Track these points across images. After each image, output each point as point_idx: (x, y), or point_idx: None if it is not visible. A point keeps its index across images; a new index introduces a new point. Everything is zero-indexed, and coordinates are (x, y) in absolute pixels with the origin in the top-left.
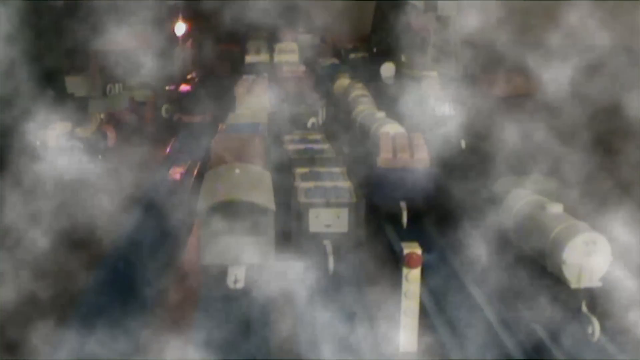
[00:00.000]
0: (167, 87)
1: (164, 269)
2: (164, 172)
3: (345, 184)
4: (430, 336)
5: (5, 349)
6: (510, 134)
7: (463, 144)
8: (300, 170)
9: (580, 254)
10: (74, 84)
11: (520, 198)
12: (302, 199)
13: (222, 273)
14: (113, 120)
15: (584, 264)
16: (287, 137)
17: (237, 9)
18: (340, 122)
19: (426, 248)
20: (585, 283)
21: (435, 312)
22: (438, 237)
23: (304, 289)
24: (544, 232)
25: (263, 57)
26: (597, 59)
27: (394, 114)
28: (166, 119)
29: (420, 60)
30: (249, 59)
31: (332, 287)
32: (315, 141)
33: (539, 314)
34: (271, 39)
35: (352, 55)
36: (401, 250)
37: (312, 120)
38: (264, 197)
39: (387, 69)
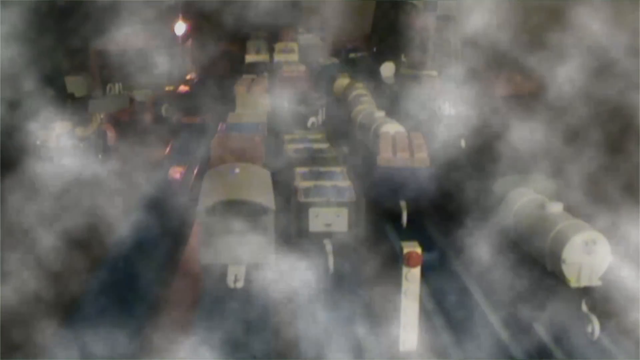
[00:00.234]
0: (167, 88)
1: (163, 268)
2: (163, 172)
3: (345, 184)
4: (430, 335)
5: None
6: (511, 133)
7: (463, 143)
8: (300, 170)
9: (580, 253)
10: (74, 83)
11: (520, 197)
12: (302, 198)
13: (222, 272)
14: (113, 120)
15: (583, 263)
16: (287, 137)
17: (237, 9)
18: (340, 122)
19: (426, 247)
20: (585, 282)
21: (435, 311)
22: (438, 236)
23: (304, 288)
24: (543, 231)
25: (263, 56)
26: (604, 59)
27: (394, 113)
28: (166, 119)
29: (420, 60)
30: (249, 58)
31: (332, 286)
32: (315, 140)
33: (539, 313)
34: (271, 38)
35: (352, 55)
36: (401, 249)
37: (312, 120)
38: (264, 197)
39: (387, 69)
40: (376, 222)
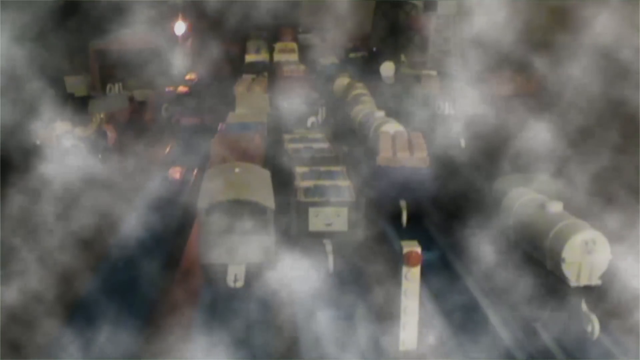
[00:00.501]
0: (167, 88)
1: (162, 267)
2: (163, 172)
3: (345, 183)
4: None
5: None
6: (511, 133)
7: (463, 142)
8: (300, 169)
9: (580, 252)
10: (74, 83)
11: (520, 196)
12: (302, 197)
13: (222, 272)
14: (113, 119)
15: (583, 262)
16: (287, 136)
17: (237, 9)
18: (340, 121)
19: (426, 246)
20: (584, 281)
21: (434, 310)
22: (438, 235)
23: (304, 287)
24: (543, 230)
25: (263, 56)
26: (606, 59)
27: (394, 113)
28: (166, 120)
29: (420, 60)
30: (249, 58)
31: (331, 285)
32: (315, 140)
33: (538, 312)
34: (271, 38)
35: (352, 55)
36: (401, 249)
37: (311, 120)
38: (264, 196)
39: (386, 68)
40: (376, 222)
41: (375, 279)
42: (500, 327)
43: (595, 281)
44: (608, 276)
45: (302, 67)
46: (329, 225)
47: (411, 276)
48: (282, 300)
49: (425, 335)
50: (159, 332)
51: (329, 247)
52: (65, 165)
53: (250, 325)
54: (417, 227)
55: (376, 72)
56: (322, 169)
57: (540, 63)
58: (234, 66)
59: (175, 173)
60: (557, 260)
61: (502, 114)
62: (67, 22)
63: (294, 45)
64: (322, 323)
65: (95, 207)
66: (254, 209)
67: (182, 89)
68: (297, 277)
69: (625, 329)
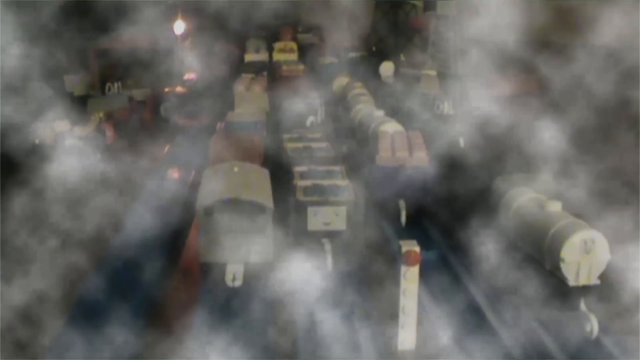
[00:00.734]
0: (166, 87)
1: (161, 266)
2: (162, 171)
3: (343, 183)
4: (428, 333)
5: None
6: (511, 133)
7: (462, 142)
8: (299, 169)
9: (579, 251)
10: (73, 82)
11: (518, 196)
12: (300, 197)
13: (221, 271)
14: (112, 119)
15: (582, 262)
16: (286, 136)
17: (237, 8)
18: (339, 121)
19: (425, 246)
20: (583, 281)
21: (433, 310)
22: (437, 235)
23: (302, 287)
24: (542, 230)
25: (262, 55)
26: (606, 58)
27: (393, 113)
28: (165, 119)
29: (419, 59)
30: (248, 57)
31: (330, 284)
32: (314, 139)
33: (537, 312)
34: (270, 37)
35: (351, 54)
36: (399, 248)
37: (311, 119)
38: (263, 196)
39: (386, 68)
40: (375, 221)
41: (373, 278)
42: (499, 326)
43: (594, 281)
44: (607, 276)
45: (301, 66)
46: (327, 224)
47: (410, 276)
48: (280, 299)
49: (423, 335)
50: (158, 331)
51: (327, 246)
52: (64, 164)
53: (249, 324)
54: (416, 227)
55: (376, 72)
56: (321, 168)
57: (541, 63)
58: (233, 65)
59: (174, 172)
60: (556, 259)
61: (502, 113)
62: (67, 22)
63: (293, 44)
64: (321, 322)
65: (93, 206)
66: (253, 208)
67: (181, 88)
68: (295, 276)
69: (626, 329)
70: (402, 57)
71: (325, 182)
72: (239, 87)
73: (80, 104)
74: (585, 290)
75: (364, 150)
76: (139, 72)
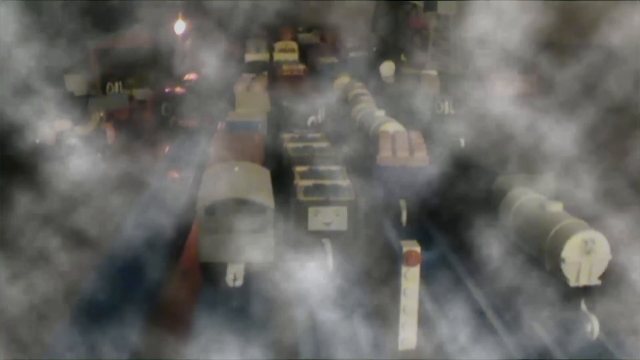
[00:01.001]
0: (166, 87)
1: (161, 266)
2: (163, 170)
3: (344, 182)
4: (428, 333)
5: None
6: (512, 132)
7: (462, 142)
8: (299, 169)
9: (579, 252)
10: (74, 82)
11: (519, 196)
12: (301, 197)
13: (221, 271)
14: (112, 118)
15: (582, 263)
16: (286, 135)
17: (238, 8)
18: (340, 121)
19: (426, 246)
20: (584, 281)
21: (433, 309)
22: (437, 235)
23: (303, 286)
24: (543, 230)
25: (263, 55)
26: (610, 59)
27: (394, 113)
28: (165, 120)
29: (420, 59)
30: (249, 57)
31: (330, 284)
32: (315, 139)
33: (538, 312)
34: (271, 37)
35: (352, 54)
36: (400, 248)
37: (311, 119)
38: (264, 195)
39: (386, 68)
40: (375, 221)
41: (374, 278)
42: (499, 326)
43: (595, 281)
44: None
45: (302, 66)
46: (328, 224)
47: (411, 275)
48: (281, 299)
49: (424, 334)
50: (157, 329)
51: (328, 246)
52: (65, 163)
53: (249, 324)
54: (416, 227)
55: (376, 72)
56: (322, 168)
57: (542, 62)
58: (234, 65)
59: (175, 171)
60: (557, 260)
61: (503, 113)
62: (68, 21)
63: (294, 44)
64: (321, 322)
65: (93, 205)
66: (254, 208)
67: (181, 88)
68: (296, 276)
69: (626, 329)
70: (403, 57)
71: (326, 182)
72: (240, 87)
73: (81, 103)
74: (586, 290)
75: (365, 150)
76: (140, 72)
